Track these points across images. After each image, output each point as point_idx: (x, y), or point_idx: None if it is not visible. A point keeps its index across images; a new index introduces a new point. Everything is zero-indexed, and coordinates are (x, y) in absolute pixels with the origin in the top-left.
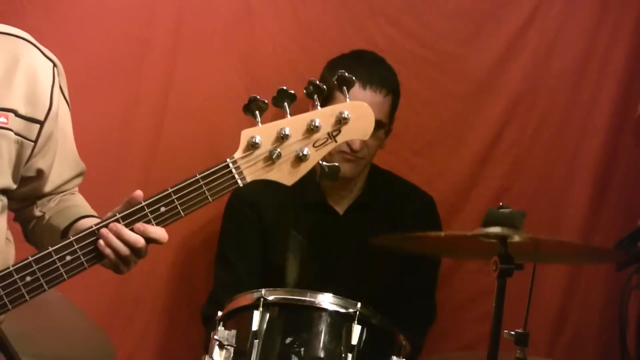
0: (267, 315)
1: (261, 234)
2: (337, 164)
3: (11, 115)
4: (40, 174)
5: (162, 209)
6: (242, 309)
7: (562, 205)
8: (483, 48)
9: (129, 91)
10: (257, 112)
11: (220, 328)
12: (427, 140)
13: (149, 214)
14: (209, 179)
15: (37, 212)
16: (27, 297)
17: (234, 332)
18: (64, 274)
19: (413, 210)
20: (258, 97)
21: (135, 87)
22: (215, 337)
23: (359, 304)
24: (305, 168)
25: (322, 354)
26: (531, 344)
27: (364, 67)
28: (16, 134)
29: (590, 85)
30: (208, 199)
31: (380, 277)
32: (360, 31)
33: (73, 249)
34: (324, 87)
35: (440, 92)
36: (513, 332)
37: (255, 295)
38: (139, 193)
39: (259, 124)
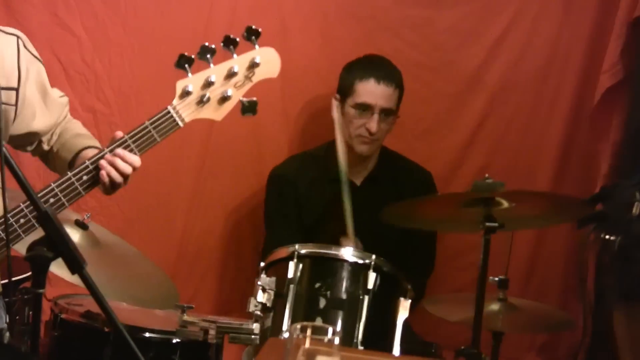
0: (300, 265)
1: (297, 203)
2: (255, 99)
3: None
4: (28, 126)
5: (119, 152)
6: (280, 260)
7: (532, 177)
8: (468, 55)
9: None
10: (186, 65)
11: (263, 275)
12: (424, 128)
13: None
14: (156, 123)
15: (46, 147)
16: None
17: (274, 278)
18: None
19: (416, 183)
20: (185, 53)
21: None
22: (259, 282)
23: (373, 256)
24: (230, 105)
25: (344, 296)
26: (509, 286)
27: (377, 66)
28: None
29: (553, 82)
30: (156, 139)
31: (388, 236)
32: (372, 43)
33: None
34: (237, 39)
35: (435, 91)
36: (497, 278)
37: (290, 249)
38: (118, 133)
39: (189, 74)
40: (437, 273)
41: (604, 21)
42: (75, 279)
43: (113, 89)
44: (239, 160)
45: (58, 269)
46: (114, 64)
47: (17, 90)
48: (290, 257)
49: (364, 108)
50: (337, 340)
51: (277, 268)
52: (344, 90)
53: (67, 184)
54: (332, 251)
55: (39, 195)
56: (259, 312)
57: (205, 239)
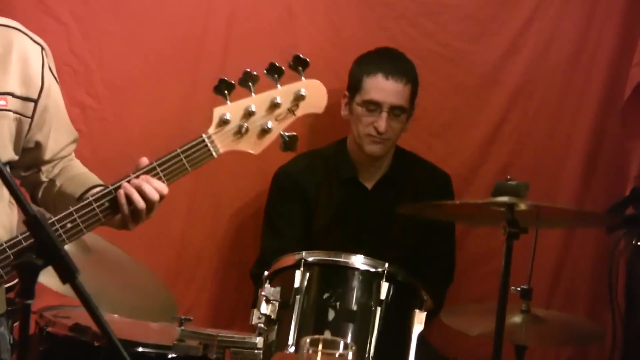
0: (307, 274)
1: (303, 206)
2: (295, 134)
3: (9, 97)
4: (38, 145)
5: None
6: (286, 269)
7: (558, 178)
8: (489, 45)
9: (187, 84)
10: (225, 92)
11: (267, 285)
12: (442, 124)
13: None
14: (188, 152)
15: (44, 178)
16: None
17: (278, 288)
18: (83, 229)
19: (432, 186)
20: (226, 78)
21: (192, 80)
22: (263, 293)
23: (386, 264)
24: (269, 139)
25: (355, 307)
26: (533, 297)
27: (386, 60)
28: (15, 112)
29: (581, 75)
30: (187, 169)
31: (403, 243)
32: (385, 31)
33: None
34: (282, 67)
35: (453, 83)
36: (519, 288)
37: (297, 256)
38: (144, 160)
39: (228, 102)
40: (456, 282)
41: (635, 10)
42: (64, 289)
43: (104, 83)
44: (241, 159)
45: (44, 277)
46: (105, 54)
47: (36, 102)
48: (296, 265)
49: (372, 105)
50: (350, 356)
51: (283, 277)
52: (353, 87)
53: (87, 209)
54: (342, 259)
55: (58, 218)
56: (262, 325)
57: (205, 245)
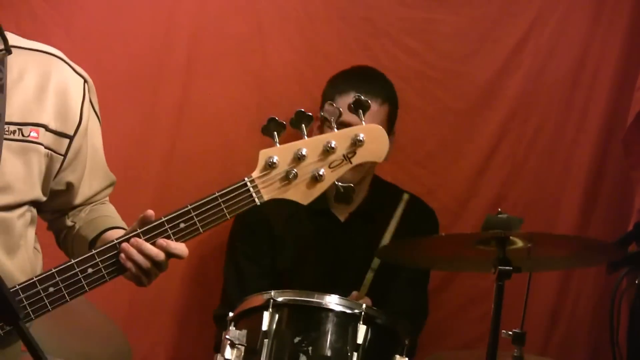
0: (277, 315)
1: (269, 240)
2: (352, 185)
3: (42, 130)
4: (70, 187)
5: (182, 225)
6: (253, 310)
7: (555, 212)
8: (480, 66)
9: (146, 107)
10: (274, 132)
11: (232, 328)
12: (427, 152)
13: (168, 230)
14: (228, 197)
15: (69, 223)
16: (49, 307)
17: (244, 331)
18: (86, 286)
19: (413, 220)
20: (276, 118)
21: (151, 103)
22: (227, 336)
23: (364, 305)
24: (321, 188)
25: (329, 353)
26: (527, 341)
27: (360, 78)
28: (46, 147)
29: (581, 99)
30: (226, 216)
31: (377, 281)
32: (365, 50)
33: (95, 261)
34: (340, 109)
35: (441, 108)
36: (511, 332)
37: (265, 296)
38: (150, 212)
39: (277, 144)
40: (443, 326)
41: (638, 30)
42: None
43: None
44: (204, 187)
45: None
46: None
47: (71, 139)
48: (264, 306)
49: (344, 127)
50: None
51: (249, 319)
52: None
53: (90, 264)
54: (315, 299)
55: (58, 269)
56: None
57: (164, 283)
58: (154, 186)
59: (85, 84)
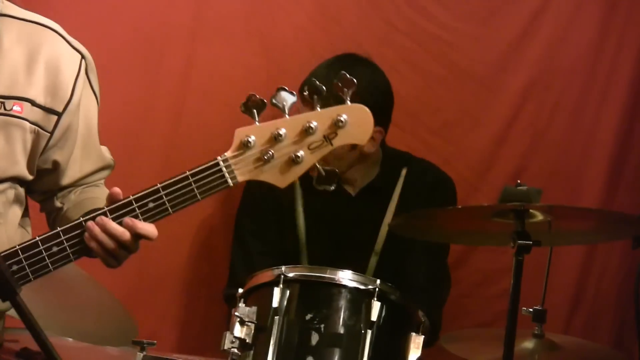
0: (288, 291)
1: (278, 215)
2: (335, 169)
3: (27, 104)
4: (56, 166)
5: (151, 205)
6: (263, 286)
7: (579, 184)
8: (500, 28)
9: (151, 72)
10: (254, 110)
11: (241, 305)
12: (444, 120)
13: (136, 209)
14: (199, 176)
15: (58, 204)
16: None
17: (254, 308)
18: (50, 265)
19: (427, 188)
20: (257, 95)
21: (156, 67)
22: (236, 313)
23: (378, 281)
24: (299, 171)
25: (341, 330)
26: (548, 320)
27: (313, 76)
28: (32, 123)
29: (606, 65)
30: (197, 197)
31: (391, 256)
32: (378, 11)
33: (59, 240)
34: (323, 87)
35: (458, 72)
36: (531, 309)
37: (276, 272)
38: (116, 190)
39: (257, 122)
40: (460, 304)
41: None
42: (8, 308)
43: None
44: (210, 154)
45: None
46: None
47: (59, 115)
48: (275, 282)
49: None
50: None
51: (259, 295)
52: None
53: (55, 241)
54: (328, 274)
55: (23, 247)
56: (236, 350)
57: (170, 260)
58: (159, 154)
59: (83, 60)
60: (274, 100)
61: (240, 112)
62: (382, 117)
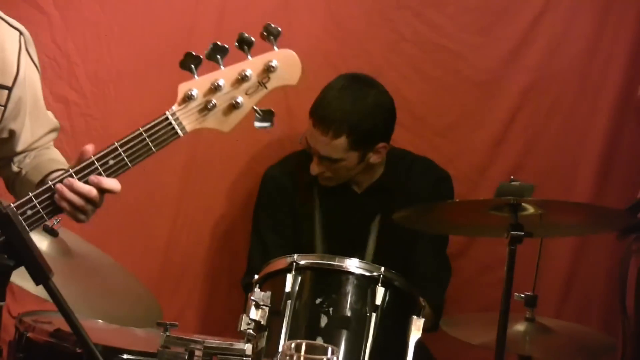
0: (299, 278)
1: (290, 212)
2: (270, 109)
3: None
4: (12, 135)
5: (111, 162)
6: (277, 273)
7: (571, 180)
8: (499, 38)
9: (175, 78)
10: (192, 66)
11: (257, 290)
12: (448, 122)
13: (99, 167)
14: (152, 131)
15: (15, 169)
16: None
17: (269, 293)
18: (27, 227)
19: (429, 184)
20: (193, 52)
21: (180, 74)
22: (252, 297)
23: (382, 268)
24: (240, 115)
25: (348, 313)
26: (540, 306)
27: (324, 104)
28: None
29: (597, 72)
30: (152, 149)
31: (394, 249)
32: (387, 22)
33: (32, 204)
34: (252, 38)
35: (461, 79)
36: (523, 295)
37: (289, 259)
38: (88, 148)
39: (195, 77)
40: (459, 292)
41: None
42: (43, 292)
43: (88, 76)
44: (233, 159)
45: (23, 280)
46: (89, 46)
47: (10, 90)
48: (288, 269)
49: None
50: None
51: (273, 281)
52: None
53: (29, 206)
54: (336, 262)
55: None
56: (251, 331)
57: (193, 249)
58: (178, 172)
59: (21, 36)
60: (209, 55)
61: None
62: (388, 134)
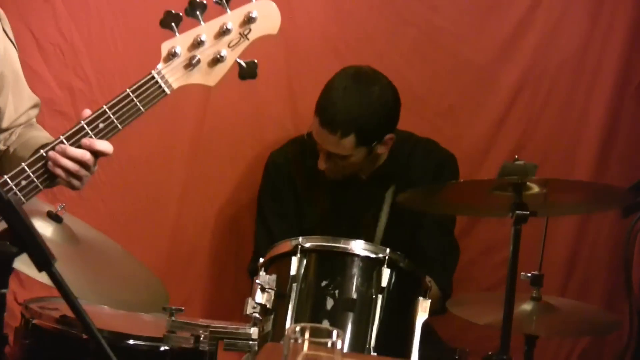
0: (304, 260)
1: (294, 199)
2: (254, 60)
3: None
4: None
5: (101, 125)
6: (282, 256)
7: (572, 160)
8: (499, 21)
9: None
10: (172, 24)
11: (262, 273)
12: (449, 104)
13: (89, 131)
14: (139, 91)
15: (1, 147)
16: None
17: (274, 276)
18: (22, 198)
19: (433, 165)
20: (172, 10)
21: None
22: (258, 281)
23: (387, 250)
24: (224, 67)
25: (354, 296)
26: (545, 284)
27: (329, 103)
28: None
29: (595, 51)
30: (141, 110)
31: (401, 232)
32: (388, 5)
33: (26, 174)
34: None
35: (461, 61)
36: (529, 274)
37: (293, 242)
38: (85, 112)
39: (177, 34)
40: (465, 272)
41: None
42: (48, 280)
43: (93, 64)
44: (238, 144)
45: (30, 268)
46: (94, 34)
47: None
48: (292, 252)
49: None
50: (339, 344)
51: (279, 265)
52: None
53: (22, 176)
54: (341, 244)
55: None
56: (257, 315)
57: (200, 235)
58: (184, 158)
59: None
60: (188, 11)
61: (262, 102)
62: (394, 125)
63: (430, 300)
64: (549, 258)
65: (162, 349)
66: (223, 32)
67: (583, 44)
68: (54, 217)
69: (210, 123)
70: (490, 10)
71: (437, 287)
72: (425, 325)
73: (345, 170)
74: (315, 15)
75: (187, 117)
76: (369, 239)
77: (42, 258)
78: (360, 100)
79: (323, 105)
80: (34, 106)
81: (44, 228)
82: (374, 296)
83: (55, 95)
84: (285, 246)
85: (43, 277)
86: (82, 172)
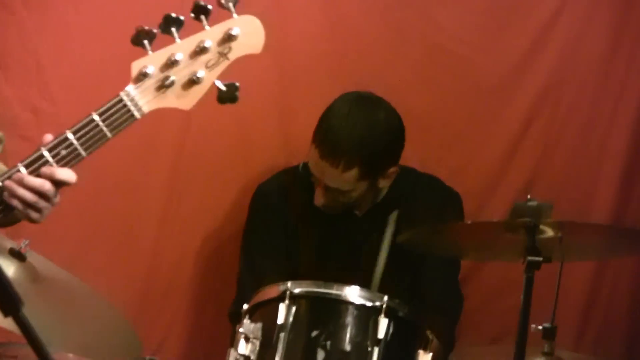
0: (293, 308)
1: (284, 233)
2: (235, 83)
3: None
4: None
5: (63, 152)
6: (268, 302)
7: (590, 199)
8: (510, 41)
9: None
10: (145, 41)
11: (246, 321)
12: (454, 133)
13: (50, 159)
14: (106, 115)
15: None
16: None
17: (259, 325)
18: None
19: (435, 204)
20: (145, 26)
21: None
22: (241, 330)
23: (385, 297)
24: (201, 90)
25: (348, 348)
26: (558, 337)
27: (330, 134)
28: None
29: (617, 78)
30: (107, 135)
31: (398, 274)
32: (389, 23)
33: None
34: (209, 6)
35: (468, 85)
36: (541, 327)
37: (281, 287)
38: (46, 138)
39: (150, 52)
40: (469, 320)
41: None
42: (8, 323)
43: (60, 83)
44: (222, 173)
45: None
46: (62, 50)
47: None
48: (280, 298)
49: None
50: None
51: (265, 311)
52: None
53: None
54: (334, 290)
55: None
56: None
57: (177, 272)
58: (162, 188)
59: None
60: (162, 28)
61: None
62: (398, 157)
63: (431, 354)
64: (562, 308)
65: None
66: (200, 50)
67: (604, 66)
68: (17, 255)
69: (190, 149)
70: (501, 30)
71: (438, 339)
72: None
73: (343, 206)
74: (310, 34)
75: (165, 142)
76: (365, 283)
77: (9, 302)
78: (365, 129)
79: (323, 134)
80: None
81: (6, 266)
82: (369, 348)
83: (18, 117)
84: (272, 291)
85: (2, 321)
86: (42, 203)
